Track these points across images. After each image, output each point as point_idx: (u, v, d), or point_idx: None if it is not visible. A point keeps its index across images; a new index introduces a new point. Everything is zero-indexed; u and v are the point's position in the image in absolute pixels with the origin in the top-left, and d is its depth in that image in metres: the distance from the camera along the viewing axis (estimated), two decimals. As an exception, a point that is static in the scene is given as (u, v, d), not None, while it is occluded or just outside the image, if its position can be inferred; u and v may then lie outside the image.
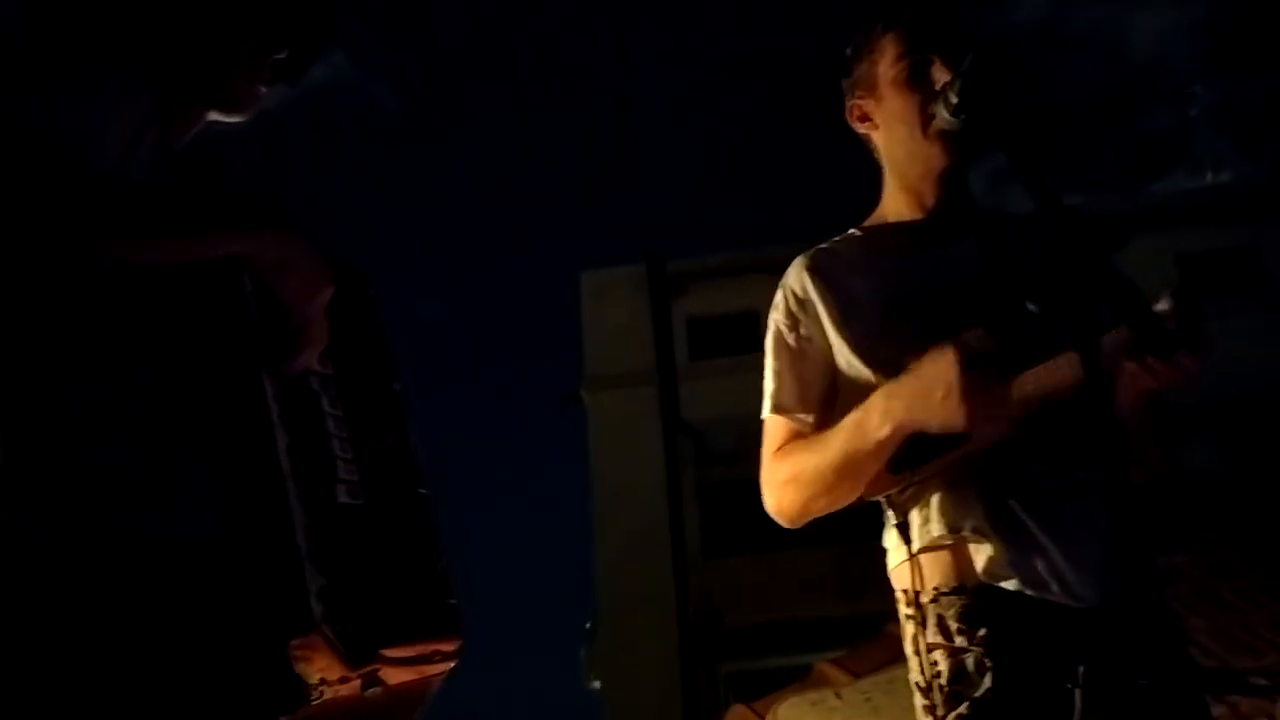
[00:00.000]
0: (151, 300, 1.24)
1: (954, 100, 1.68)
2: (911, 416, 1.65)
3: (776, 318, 1.88)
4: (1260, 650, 5.41)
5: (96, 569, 1.17)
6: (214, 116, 1.47)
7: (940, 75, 1.79)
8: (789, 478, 1.80)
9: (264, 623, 1.20)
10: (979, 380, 1.60)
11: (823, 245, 1.93)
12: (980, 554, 1.70)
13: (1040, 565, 1.67)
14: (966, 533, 1.70)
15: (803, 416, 1.83)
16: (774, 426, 1.87)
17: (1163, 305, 1.58)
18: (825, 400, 1.83)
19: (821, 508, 1.79)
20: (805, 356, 1.85)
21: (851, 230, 1.95)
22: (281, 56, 1.47)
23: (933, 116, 1.77)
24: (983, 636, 1.66)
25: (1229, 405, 12.17)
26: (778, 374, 1.86)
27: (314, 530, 1.25)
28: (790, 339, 1.86)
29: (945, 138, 1.80)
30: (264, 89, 1.47)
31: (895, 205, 1.92)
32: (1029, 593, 1.67)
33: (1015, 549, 1.68)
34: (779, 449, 1.84)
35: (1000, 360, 1.62)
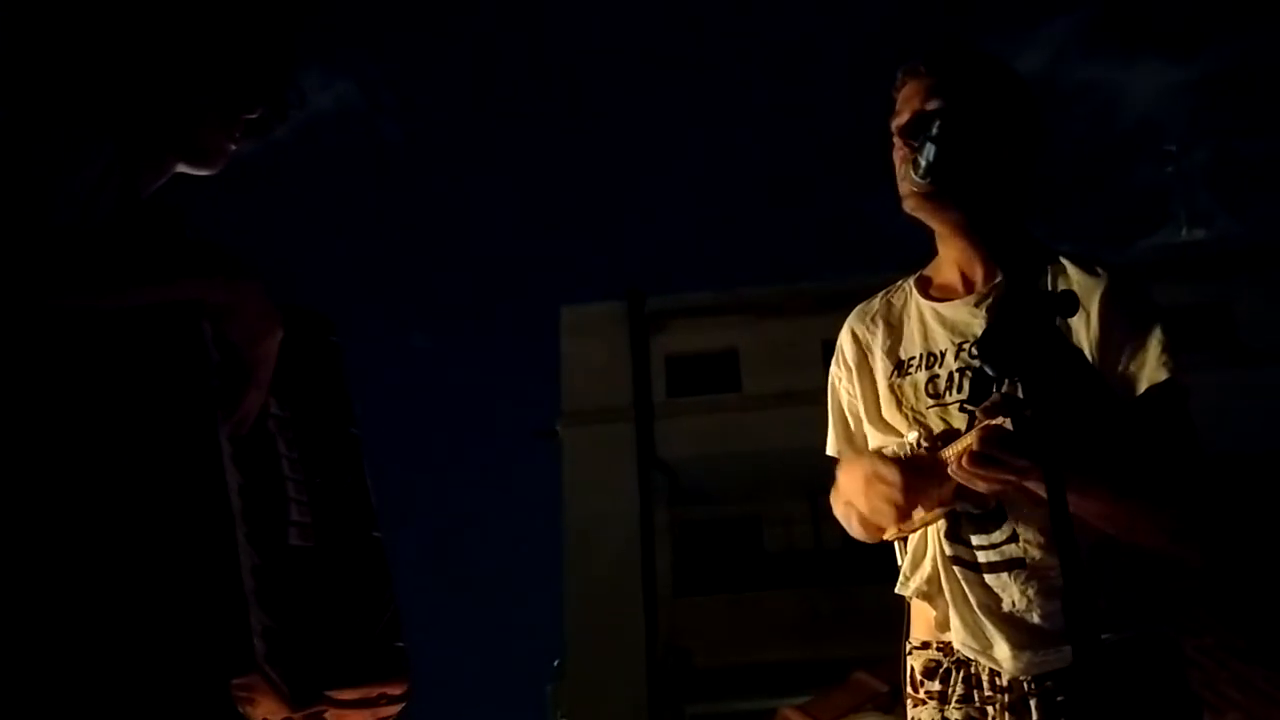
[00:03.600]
0: (105, 343, 1.25)
1: (921, 163, 1.73)
2: (852, 501, 1.83)
3: (831, 367, 2.03)
4: (1222, 709, 5.42)
5: (37, 601, 1.17)
6: (182, 168, 1.47)
7: (907, 141, 1.81)
8: (836, 513, 1.94)
9: (205, 661, 1.20)
10: (889, 504, 1.73)
11: (873, 298, 2.01)
12: (931, 613, 1.82)
13: (975, 629, 1.76)
14: (924, 590, 1.82)
15: (851, 458, 1.96)
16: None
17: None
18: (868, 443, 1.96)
19: (857, 537, 1.91)
20: (847, 406, 1.99)
21: (904, 281, 1.99)
22: (253, 116, 1.48)
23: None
24: (936, 692, 1.78)
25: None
26: (831, 420, 2.03)
27: (262, 571, 1.25)
28: (838, 388, 2.02)
29: (925, 200, 1.82)
30: (234, 145, 1.48)
31: (938, 259, 1.95)
32: (969, 655, 1.78)
33: (954, 612, 1.78)
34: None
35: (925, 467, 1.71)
